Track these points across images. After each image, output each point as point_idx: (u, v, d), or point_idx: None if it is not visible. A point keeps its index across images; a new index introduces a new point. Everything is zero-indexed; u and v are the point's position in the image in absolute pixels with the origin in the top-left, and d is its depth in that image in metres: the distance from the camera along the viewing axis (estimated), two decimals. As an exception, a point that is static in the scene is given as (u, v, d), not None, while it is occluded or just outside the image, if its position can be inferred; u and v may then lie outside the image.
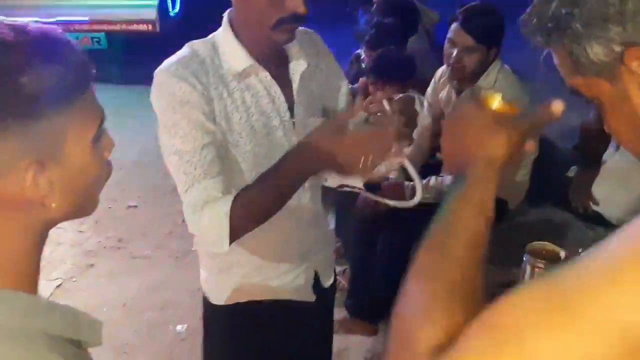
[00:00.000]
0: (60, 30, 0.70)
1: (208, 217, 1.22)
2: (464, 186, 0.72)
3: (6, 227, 0.67)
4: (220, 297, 1.50)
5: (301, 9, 1.18)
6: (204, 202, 1.21)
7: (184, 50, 1.29)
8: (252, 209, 1.23)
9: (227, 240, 1.22)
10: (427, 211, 2.55)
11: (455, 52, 2.34)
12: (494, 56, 2.36)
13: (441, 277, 0.61)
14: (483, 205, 0.70)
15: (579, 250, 0.97)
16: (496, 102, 0.77)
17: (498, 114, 0.75)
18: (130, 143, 4.42)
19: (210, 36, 1.33)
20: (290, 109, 1.35)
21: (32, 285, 0.71)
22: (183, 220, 1.32)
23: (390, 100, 1.16)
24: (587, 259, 0.50)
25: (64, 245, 3.33)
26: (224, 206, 1.21)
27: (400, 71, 2.72)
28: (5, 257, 0.68)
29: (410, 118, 1.20)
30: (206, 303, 1.55)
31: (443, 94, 2.63)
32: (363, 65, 3.15)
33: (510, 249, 1.37)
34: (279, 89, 1.32)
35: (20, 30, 0.65)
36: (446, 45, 2.42)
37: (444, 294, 0.59)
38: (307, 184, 1.41)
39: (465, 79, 2.41)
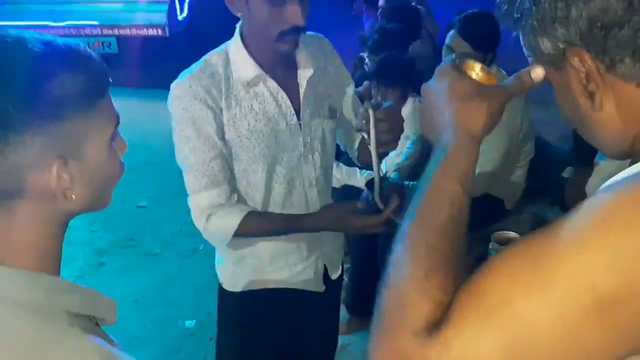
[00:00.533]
0: (82, 45, 0.79)
1: (216, 225, 1.43)
2: (444, 156, 0.73)
3: (33, 215, 0.75)
4: (234, 285, 1.61)
5: (300, 22, 1.28)
6: (210, 208, 1.41)
7: (199, 64, 1.40)
8: (256, 232, 1.47)
9: (226, 243, 1.47)
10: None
11: (453, 57, 2.40)
12: (489, 61, 2.42)
13: (433, 253, 0.63)
14: (464, 175, 0.72)
15: None
16: (475, 71, 0.78)
17: (478, 83, 0.76)
18: (140, 145, 4.50)
19: (223, 45, 1.44)
20: (297, 111, 1.45)
21: (55, 269, 0.79)
22: (191, 220, 1.44)
23: (375, 109, 1.29)
24: (558, 228, 0.58)
25: (75, 244, 3.42)
26: (234, 222, 1.41)
27: (402, 75, 2.80)
28: (31, 241, 0.76)
29: (394, 126, 1.33)
30: (221, 290, 1.65)
31: None
32: (366, 69, 3.23)
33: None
34: (285, 95, 1.43)
35: (48, 43, 0.73)
36: (444, 51, 2.50)
37: (438, 270, 0.61)
38: (313, 181, 1.51)
39: None
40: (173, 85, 1.39)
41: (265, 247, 1.54)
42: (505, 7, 0.72)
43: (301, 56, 1.44)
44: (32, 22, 5.71)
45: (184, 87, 1.36)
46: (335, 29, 2.75)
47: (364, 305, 2.61)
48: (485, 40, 2.39)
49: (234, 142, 1.41)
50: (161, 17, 5.55)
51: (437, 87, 0.79)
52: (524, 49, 0.74)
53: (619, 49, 0.62)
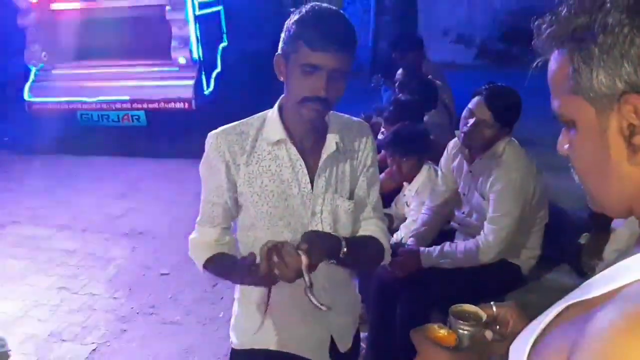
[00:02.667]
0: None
1: (192, 254, 1.65)
2: None
3: None
4: (240, 342, 1.67)
5: (320, 93, 1.38)
6: (199, 240, 1.62)
7: (238, 122, 1.56)
8: (218, 274, 1.66)
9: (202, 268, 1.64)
10: (444, 276, 2.64)
11: (471, 121, 2.45)
12: (505, 134, 2.47)
13: None
14: None
15: (493, 307, 1.06)
16: (436, 333, 0.98)
17: (447, 354, 0.93)
18: (163, 213, 4.64)
19: (266, 111, 1.57)
20: (312, 179, 1.53)
21: None
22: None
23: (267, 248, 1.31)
24: None
25: (98, 311, 3.48)
26: (199, 260, 1.62)
27: (416, 145, 2.90)
28: None
29: (284, 263, 1.30)
30: (231, 350, 1.72)
31: (455, 164, 2.74)
32: (380, 137, 3.33)
33: (527, 313, 1.42)
34: (303, 163, 1.51)
35: None
36: (465, 113, 2.52)
37: None
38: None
39: (474, 148, 2.54)
40: (209, 134, 1.55)
41: (271, 306, 1.59)
42: (554, 26, 0.65)
43: (332, 132, 1.53)
44: (68, 97, 6.03)
45: (213, 137, 1.53)
46: (354, 100, 2.86)
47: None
48: (507, 113, 2.43)
49: (246, 196, 1.52)
50: (188, 91, 5.80)
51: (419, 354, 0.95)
52: (551, 82, 0.68)
53: None
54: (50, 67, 6.22)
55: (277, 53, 1.43)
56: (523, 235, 2.50)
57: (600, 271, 0.63)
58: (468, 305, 1.09)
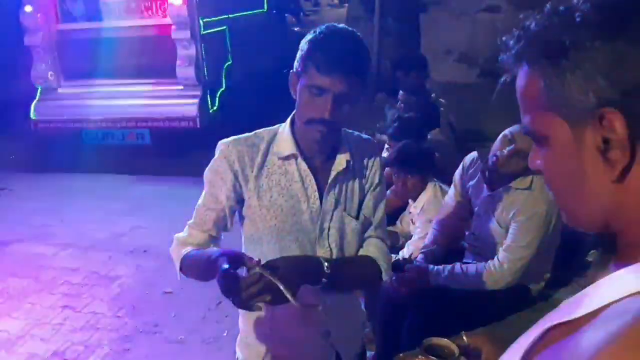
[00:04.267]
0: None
1: (174, 251, 1.60)
2: None
3: None
4: (244, 357, 1.65)
5: (324, 115, 1.38)
6: (184, 240, 1.59)
7: (250, 133, 1.55)
8: (193, 274, 1.56)
9: (179, 272, 1.59)
10: (451, 296, 2.61)
11: (510, 149, 2.35)
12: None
13: None
14: None
15: (464, 338, 1.06)
16: None
17: None
18: (167, 231, 4.61)
19: (278, 125, 1.57)
20: (321, 196, 1.52)
21: None
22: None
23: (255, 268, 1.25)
24: None
25: (102, 330, 3.46)
26: (177, 261, 1.57)
27: (421, 162, 2.90)
28: None
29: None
30: None
31: (472, 183, 2.67)
32: (385, 156, 3.33)
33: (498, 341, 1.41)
34: (313, 178, 1.51)
35: None
36: (502, 138, 2.41)
37: None
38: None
39: (501, 175, 2.42)
40: (221, 141, 1.55)
41: (276, 323, 1.57)
42: (523, 42, 0.64)
43: (343, 150, 1.53)
44: (73, 116, 6.07)
45: (224, 145, 1.53)
46: (356, 120, 2.85)
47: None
48: None
49: (255, 209, 1.51)
50: (193, 110, 5.83)
51: None
52: (521, 99, 0.66)
53: None
54: (56, 86, 6.28)
55: (291, 70, 1.44)
56: (536, 261, 2.46)
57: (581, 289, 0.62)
58: (438, 338, 1.08)
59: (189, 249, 1.56)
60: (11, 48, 6.45)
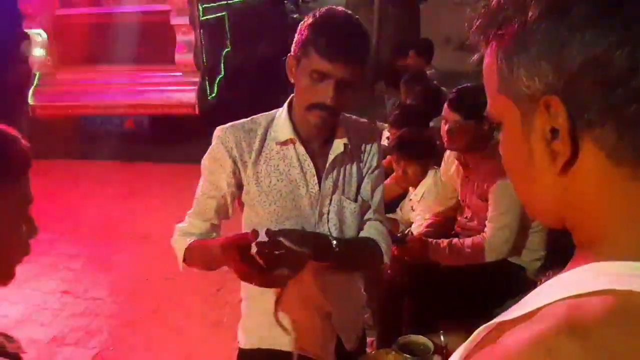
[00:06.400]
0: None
1: (174, 245, 1.60)
2: None
3: None
4: (246, 341, 1.67)
5: (327, 100, 1.38)
6: (186, 230, 1.58)
7: (246, 119, 1.54)
8: (198, 264, 1.59)
9: (181, 264, 1.59)
10: (453, 275, 2.62)
11: (445, 127, 2.53)
12: (489, 125, 2.41)
13: None
14: None
15: (441, 337, 1.05)
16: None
17: None
18: (167, 218, 4.61)
19: (275, 110, 1.56)
20: (320, 180, 1.52)
21: None
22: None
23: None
24: None
25: (101, 315, 3.47)
26: (180, 252, 1.57)
27: (422, 149, 2.90)
28: None
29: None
30: (239, 350, 1.71)
31: (452, 173, 2.80)
32: (386, 144, 3.33)
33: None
34: (311, 163, 1.51)
35: None
36: (441, 122, 2.62)
37: None
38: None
39: (461, 150, 2.59)
40: (218, 127, 1.54)
41: (271, 304, 1.58)
42: (481, 19, 0.61)
43: (340, 133, 1.53)
44: (71, 102, 6.04)
45: (221, 131, 1.52)
46: (357, 109, 2.84)
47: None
48: (476, 110, 2.35)
49: (254, 195, 1.51)
50: (192, 97, 5.81)
51: None
52: (485, 81, 0.63)
53: (604, 112, 0.51)
54: (54, 71, 6.24)
55: (289, 54, 1.43)
56: (524, 235, 2.50)
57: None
58: (416, 336, 1.09)
59: (191, 239, 1.55)
60: (9, 33, 6.40)
